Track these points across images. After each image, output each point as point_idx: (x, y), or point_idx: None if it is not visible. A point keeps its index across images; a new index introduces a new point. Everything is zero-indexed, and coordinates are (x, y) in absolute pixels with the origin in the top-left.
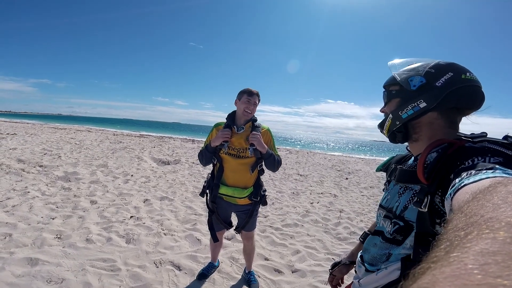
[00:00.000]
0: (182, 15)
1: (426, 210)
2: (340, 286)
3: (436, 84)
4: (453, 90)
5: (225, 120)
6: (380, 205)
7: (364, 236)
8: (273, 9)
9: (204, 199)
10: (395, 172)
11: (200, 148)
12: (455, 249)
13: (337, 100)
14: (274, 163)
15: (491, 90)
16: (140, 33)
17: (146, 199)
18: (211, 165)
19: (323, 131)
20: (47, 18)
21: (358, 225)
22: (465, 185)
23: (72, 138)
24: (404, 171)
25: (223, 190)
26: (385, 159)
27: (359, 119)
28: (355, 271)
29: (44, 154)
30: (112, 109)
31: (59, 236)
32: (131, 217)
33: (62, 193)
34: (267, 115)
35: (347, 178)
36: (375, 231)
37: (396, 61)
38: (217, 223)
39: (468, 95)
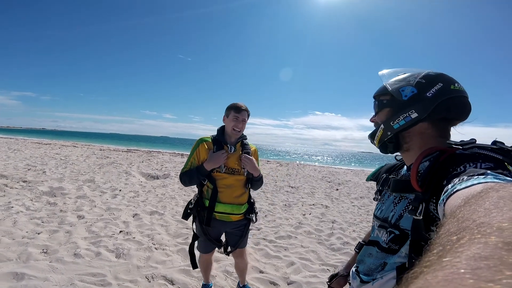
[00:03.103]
0: (170, 27)
1: (421, 217)
2: None
3: (427, 94)
4: (443, 100)
5: (209, 135)
6: (375, 216)
7: (359, 247)
8: (261, 22)
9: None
10: (387, 182)
11: (182, 169)
12: (447, 253)
13: (325, 112)
14: (261, 184)
15: (473, 99)
16: (128, 45)
17: (136, 214)
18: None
19: (311, 143)
20: (31, 29)
21: (351, 235)
22: (457, 190)
23: (57, 154)
24: (398, 180)
25: (219, 208)
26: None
27: (347, 130)
28: (349, 283)
29: (28, 169)
30: (99, 123)
31: (45, 250)
32: (121, 231)
33: (47, 208)
34: (257, 127)
35: (337, 189)
36: (369, 241)
37: (386, 71)
38: (207, 245)
39: (457, 106)
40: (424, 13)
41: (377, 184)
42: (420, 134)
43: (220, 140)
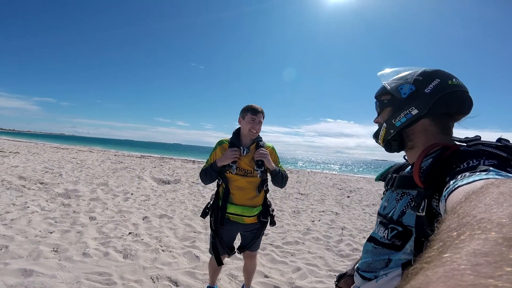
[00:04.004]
0: (182, 35)
1: (423, 214)
2: None
3: (425, 91)
4: (442, 96)
5: (228, 137)
6: (378, 213)
7: None
8: (271, 29)
9: (204, 219)
10: (392, 180)
11: (202, 167)
12: (448, 249)
13: (337, 119)
14: (282, 179)
15: (490, 105)
16: (142, 54)
17: (145, 217)
18: (214, 185)
19: (324, 151)
20: (53, 36)
21: (361, 242)
22: (458, 186)
23: (73, 158)
24: (401, 177)
25: (231, 209)
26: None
27: (360, 138)
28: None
29: (46, 172)
30: (114, 129)
31: (56, 249)
32: (130, 233)
33: (61, 209)
34: (268, 135)
35: (348, 196)
36: (369, 237)
37: (385, 71)
38: (219, 247)
39: (457, 100)
40: (437, 17)
41: (385, 185)
42: (423, 131)
43: (235, 143)
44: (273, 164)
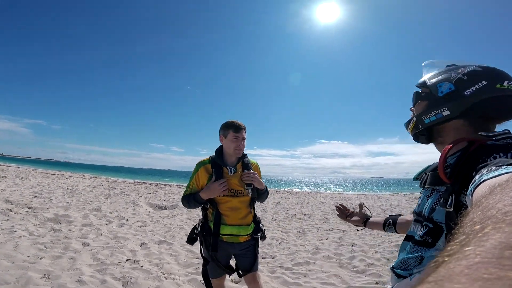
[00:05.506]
0: (178, 58)
1: (452, 209)
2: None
3: (465, 93)
4: (482, 100)
5: (208, 158)
6: (413, 211)
7: (392, 217)
8: (267, 51)
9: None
10: (425, 178)
11: (184, 192)
12: (471, 242)
13: (331, 140)
14: (267, 196)
15: None
16: (138, 76)
17: (143, 243)
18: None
19: (320, 172)
20: (45, 57)
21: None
22: (484, 180)
23: (64, 183)
24: (432, 174)
25: (226, 230)
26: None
27: (355, 157)
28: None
29: (34, 196)
30: (107, 156)
31: (47, 275)
32: (128, 260)
33: (51, 234)
34: (265, 159)
35: None
36: (406, 236)
37: (432, 61)
38: (215, 269)
39: (498, 105)
40: (432, 28)
41: (420, 183)
42: (456, 129)
43: (218, 163)
44: (262, 183)
